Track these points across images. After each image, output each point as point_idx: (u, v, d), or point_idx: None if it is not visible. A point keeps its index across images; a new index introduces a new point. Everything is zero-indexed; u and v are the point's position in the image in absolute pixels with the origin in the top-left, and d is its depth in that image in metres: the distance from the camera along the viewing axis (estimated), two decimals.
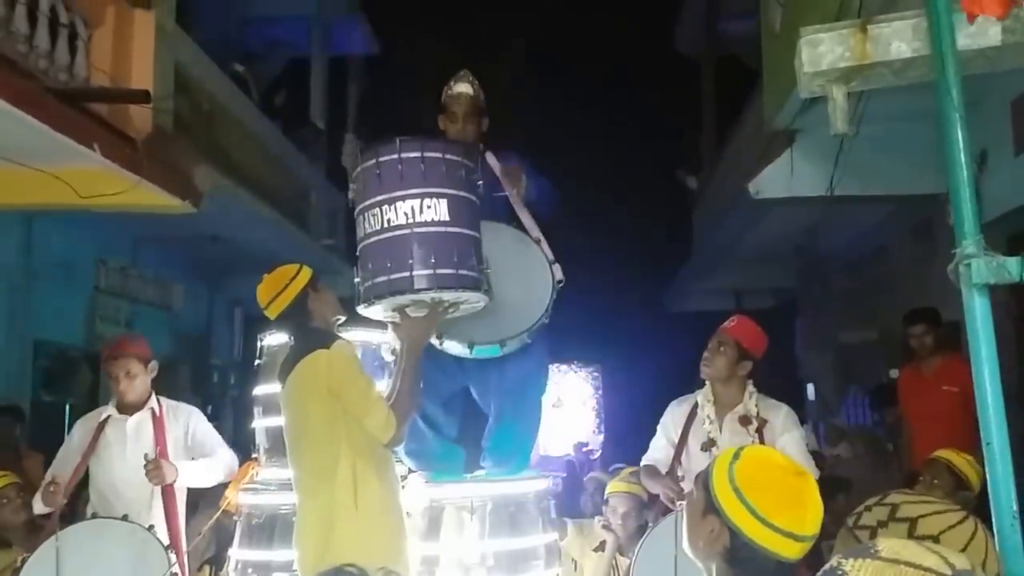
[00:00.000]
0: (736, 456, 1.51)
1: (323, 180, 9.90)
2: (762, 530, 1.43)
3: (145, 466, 3.42)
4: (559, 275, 3.14)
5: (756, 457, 1.53)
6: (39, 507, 3.48)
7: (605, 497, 3.78)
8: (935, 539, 1.54)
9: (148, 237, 7.29)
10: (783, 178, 5.46)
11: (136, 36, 5.45)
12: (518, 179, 3.24)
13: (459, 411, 3.33)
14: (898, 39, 2.21)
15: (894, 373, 5.42)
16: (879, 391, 5.93)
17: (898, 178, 5.33)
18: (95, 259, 6.87)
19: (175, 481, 3.50)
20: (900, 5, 2.60)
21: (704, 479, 1.53)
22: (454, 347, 3.02)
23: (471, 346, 2.99)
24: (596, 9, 14.16)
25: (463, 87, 3.32)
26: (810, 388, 8.79)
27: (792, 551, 1.44)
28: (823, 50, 2.27)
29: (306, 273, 2.82)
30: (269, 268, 2.89)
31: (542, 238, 3.21)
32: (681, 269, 11.51)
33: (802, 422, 3.41)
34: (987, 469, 2.02)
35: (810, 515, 1.45)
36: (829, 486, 3.23)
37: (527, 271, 3.11)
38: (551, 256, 3.18)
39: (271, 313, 2.81)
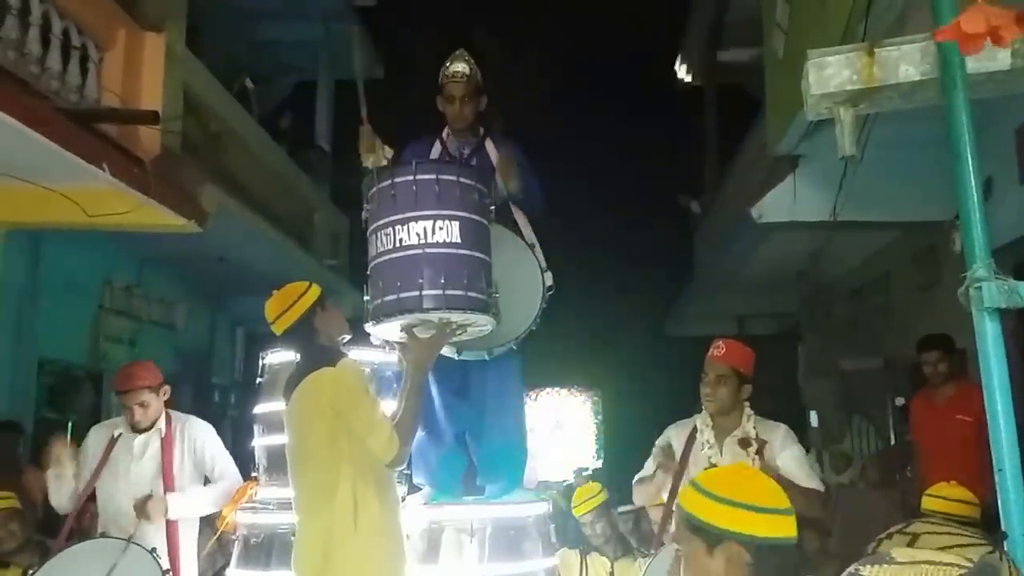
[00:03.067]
0: (694, 485, 1.48)
1: (327, 201, 9.95)
2: (770, 520, 1.39)
3: (134, 504, 3.44)
4: (550, 282, 3.13)
5: (706, 475, 1.52)
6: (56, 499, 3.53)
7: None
8: None
9: (153, 257, 7.30)
10: (786, 203, 5.47)
11: (147, 59, 5.48)
12: (508, 169, 3.16)
13: (464, 400, 3.28)
14: (906, 62, 2.20)
15: (899, 401, 5.35)
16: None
17: (901, 205, 5.33)
18: (101, 278, 6.87)
19: (165, 515, 3.47)
20: (906, 30, 2.62)
21: (687, 523, 1.45)
22: (443, 350, 3.03)
23: (459, 351, 3.02)
24: (599, 38, 14.31)
25: (459, 66, 3.26)
26: (813, 415, 8.72)
27: (793, 529, 1.42)
28: (830, 72, 2.26)
29: (315, 291, 2.81)
30: (272, 288, 2.88)
31: (536, 243, 3.20)
32: (682, 294, 11.50)
33: (805, 450, 3.37)
34: (999, 495, 1.99)
35: (779, 490, 1.45)
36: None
37: (520, 277, 3.09)
38: (543, 263, 3.17)
39: (277, 329, 2.80)
